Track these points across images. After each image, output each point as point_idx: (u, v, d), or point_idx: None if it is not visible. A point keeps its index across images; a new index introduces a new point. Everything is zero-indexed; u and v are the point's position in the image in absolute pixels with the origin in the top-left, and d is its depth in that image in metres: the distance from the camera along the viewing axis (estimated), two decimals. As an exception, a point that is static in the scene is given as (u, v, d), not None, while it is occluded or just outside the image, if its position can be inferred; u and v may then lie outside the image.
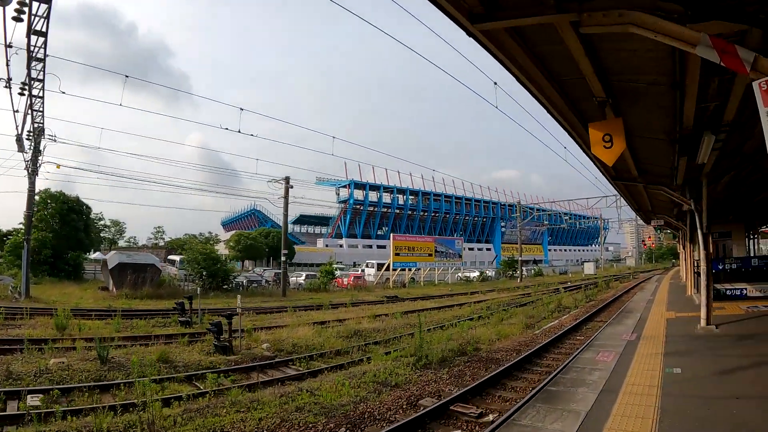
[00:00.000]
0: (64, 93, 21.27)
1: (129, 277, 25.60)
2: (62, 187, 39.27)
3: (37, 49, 19.35)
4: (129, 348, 11.61)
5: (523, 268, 55.47)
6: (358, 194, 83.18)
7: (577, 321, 15.71)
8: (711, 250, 12.19)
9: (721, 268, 15.08)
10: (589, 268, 68.77)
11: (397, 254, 42.34)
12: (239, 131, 22.69)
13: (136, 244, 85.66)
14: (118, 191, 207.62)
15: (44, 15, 18.26)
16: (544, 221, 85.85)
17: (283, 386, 8.78)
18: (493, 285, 43.60)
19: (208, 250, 32.25)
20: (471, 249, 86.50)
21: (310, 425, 6.49)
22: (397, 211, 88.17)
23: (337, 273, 40.58)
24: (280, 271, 32.81)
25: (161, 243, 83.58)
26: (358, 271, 46.51)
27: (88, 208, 39.06)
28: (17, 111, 21.29)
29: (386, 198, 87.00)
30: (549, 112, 7.13)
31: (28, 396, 7.64)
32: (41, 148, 24.01)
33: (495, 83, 10.10)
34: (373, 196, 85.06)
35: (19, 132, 22.52)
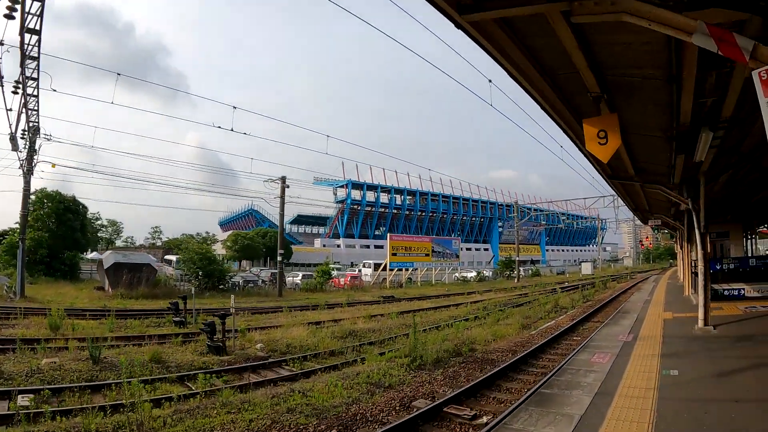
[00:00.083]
0: (55, 90, 21.07)
1: (125, 276, 25.50)
2: (60, 186, 39.28)
3: (30, 47, 19.22)
4: (122, 348, 11.55)
5: (521, 269, 55.41)
6: (356, 194, 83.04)
7: (574, 321, 15.61)
8: (709, 250, 12.12)
9: (718, 268, 15.02)
10: (586, 269, 68.61)
11: (394, 254, 42.22)
12: (232, 129, 22.54)
13: (134, 243, 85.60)
14: (116, 191, 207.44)
15: (37, 13, 18.14)
16: (542, 221, 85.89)
17: (276, 387, 8.70)
18: (491, 285, 43.51)
19: (204, 249, 32.11)
20: (468, 249, 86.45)
21: (301, 427, 6.39)
22: (395, 211, 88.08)
23: (334, 273, 40.46)
24: (276, 271, 32.70)
25: (159, 243, 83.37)
26: (355, 271, 46.36)
27: (85, 207, 38.94)
28: (10, 109, 21.15)
29: (384, 198, 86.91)
30: (542, 107, 6.98)
31: (19, 396, 7.57)
32: (36, 147, 23.90)
33: (490, 81, 10.02)
34: (370, 196, 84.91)
35: (13, 131, 22.39)
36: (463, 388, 7.86)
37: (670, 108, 6.60)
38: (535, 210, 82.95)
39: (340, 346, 12.60)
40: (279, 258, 32.21)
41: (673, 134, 7.53)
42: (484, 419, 6.58)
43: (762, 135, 3.18)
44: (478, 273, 53.60)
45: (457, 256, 50.07)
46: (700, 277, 10.92)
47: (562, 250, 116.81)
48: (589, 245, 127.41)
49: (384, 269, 42.81)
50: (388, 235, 46.04)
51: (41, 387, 8.11)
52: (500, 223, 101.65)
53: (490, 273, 57.74)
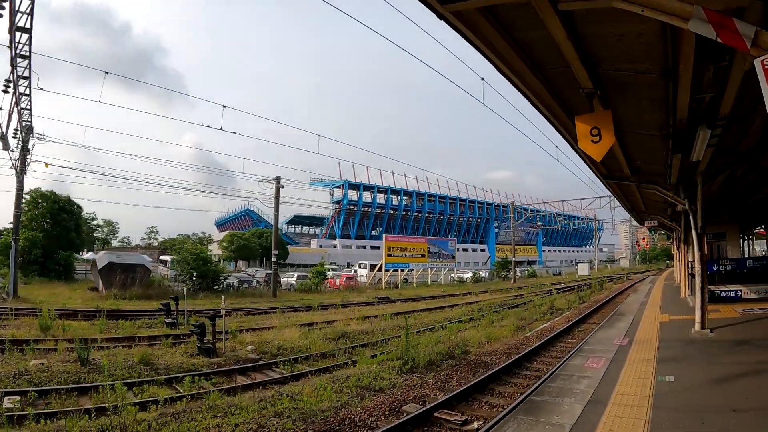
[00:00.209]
0: (42, 89, 20.88)
1: (118, 277, 25.29)
2: (55, 186, 38.94)
3: (21, 45, 18.99)
4: (112, 349, 11.44)
5: (517, 269, 55.28)
6: (352, 195, 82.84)
7: (569, 323, 15.47)
8: (706, 251, 11.97)
9: (715, 269, 14.88)
10: (583, 269, 68.57)
11: (389, 255, 42.07)
12: (221, 129, 22.31)
13: (130, 244, 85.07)
14: (112, 191, 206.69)
15: (27, 11, 17.93)
16: (538, 222, 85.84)
17: (264, 390, 8.55)
18: (486, 286, 43.36)
19: (198, 250, 31.88)
20: (464, 250, 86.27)
21: (288, 432, 6.21)
22: (391, 212, 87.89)
23: (330, 273, 40.24)
24: (271, 271, 32.49)
25: (155, 243, 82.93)
26: (351, 271, 46.16)
27: (80, 207, 38.64)
28: (1, 108, 20.92)
29: (380, 198, 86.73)
30: (533, 104, 6.79)
31: (5, 398, 7.48)
32: (29, 146, 23.67)
33: (482, 78, 9.85)
34: (366, 196, 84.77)
35: (4, 130, 22.13)
36: (454, 392, 7.69)
37: (666, 104, 6.42)
38: (531, 211, 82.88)
39: (332, 348, 12.44)
40: (273, 258, 32.01)
41: (670, 132, 7.34)
42: (475, 425, 6.40)
43: (761, 134, 3.01)
44: (474, 274, 53.47)
45: (453, 257, 49.95)
46: (697, 280, 10.76)
47: (559, 251, 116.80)
48: (585, 246, 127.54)
49: (380, 270, 42.63)
50: (384, 235, 45.92)
51: (28, 389, 8.01)
52: (497, 224, 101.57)
53: (487, 274, 57.65)
